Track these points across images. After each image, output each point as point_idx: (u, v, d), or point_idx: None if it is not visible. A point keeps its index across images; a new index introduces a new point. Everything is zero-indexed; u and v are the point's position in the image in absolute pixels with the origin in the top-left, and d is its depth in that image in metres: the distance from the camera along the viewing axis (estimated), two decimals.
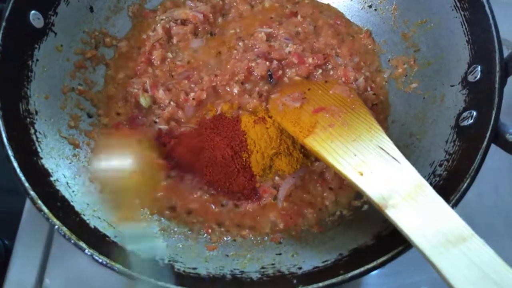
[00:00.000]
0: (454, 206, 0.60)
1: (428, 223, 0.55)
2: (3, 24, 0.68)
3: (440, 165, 0.69)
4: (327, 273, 0.60)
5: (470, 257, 0.51)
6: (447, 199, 0.58)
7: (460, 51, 0.75)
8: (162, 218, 0.76)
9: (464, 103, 0.71)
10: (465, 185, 0.61)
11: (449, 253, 0.52)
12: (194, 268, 0.63)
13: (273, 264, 0.66)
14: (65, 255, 0.87)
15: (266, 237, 0.75)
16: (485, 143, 0.63)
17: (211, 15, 0.94)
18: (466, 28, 0.74)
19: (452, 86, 0.75)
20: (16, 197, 0.95)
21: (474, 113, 0.68)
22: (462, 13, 0.74)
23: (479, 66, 0.69)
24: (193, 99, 0.85)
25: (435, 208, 0.57)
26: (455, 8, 0.75)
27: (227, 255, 0.70)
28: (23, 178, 0.61)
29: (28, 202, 0.92)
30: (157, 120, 0.84)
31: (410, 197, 0.59)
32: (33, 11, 0.73)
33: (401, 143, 0.79)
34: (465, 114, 0.70)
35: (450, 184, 0.64)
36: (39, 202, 0.60)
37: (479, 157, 0.63)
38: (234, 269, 0.64)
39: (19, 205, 0.93)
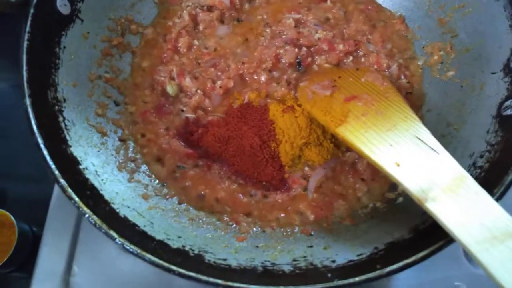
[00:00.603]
0: (498, 199, 0.57)
1: (471, 217, 0.53)
2: (32, 10, 0.68)
3: (481, 157, 0.66)
4: (363, 267, 0.58)
5: None
6: (490, 192, 0.56)
7: (502, 36, 0.71)
8: (190, 208, 0.75)
9: (506, 91, 0.68)
10: (510, 177, 0.58)
11: (495, 250, 0.49)
12: (225, 259, 0.62)
13: (305, 256, 0.64)
14: (92, 243, 0.88)
15: (296, 229, 0.74)
16: None
17: (237, 1, 0.91)
18: (509, 12, 0.70)
19: (493, 73, 0.72)
20: (44, 184, 0.96)
21: None
22: None
23: None
24: (220, 87, 0.83)
25: (478, 201, 0.55)
26: None
27: (257, 246, 0.68)
28: (53, 166, 0.60)
29: (56, 190, 0.93)
30: (184, 109, 0.82)
31: (450, 190, 0.56)
32: None
33: (437, 133, 0.74)
34: (507, 103, 0.66)
35: (493, 176, 0.61)
36: (69, 190, 0.59)
37: None
38: (265, 260, 0.63)
39: (47, 193, 0.94)
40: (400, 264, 0.55)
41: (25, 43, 0.66)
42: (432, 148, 0.62)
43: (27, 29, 0.67)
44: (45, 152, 0.61)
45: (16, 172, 1.17)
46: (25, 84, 0.64)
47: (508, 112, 0.66)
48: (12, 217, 1.01)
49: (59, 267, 0.85)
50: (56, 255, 0.86)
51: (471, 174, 0.63)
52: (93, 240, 0.87)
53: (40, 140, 0.62)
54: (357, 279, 0.54)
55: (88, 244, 0.87)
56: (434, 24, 0.86)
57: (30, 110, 0.63)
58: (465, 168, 0.60)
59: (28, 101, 0.64)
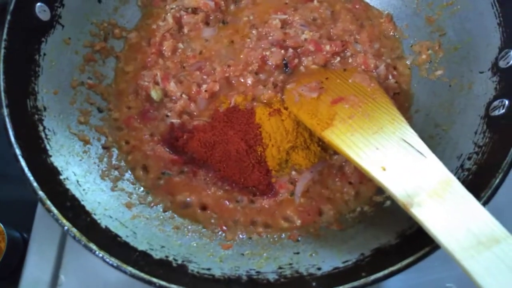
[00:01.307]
0: (485, 203, 0.56)
1: (457, 222, 0.52)
2: (8, 17, 0.67)
3: (469, 158, 0.64)
4: (348, 275, 0.57)
5: (504, 260, 0.47)
6: (477, 195, 0.55)
7: (490, 34, 0.70)
8: (176, 215, 0.74)
9: (494, 91, 0.67)
10: (498, 180, 0.57)
11: (481, 256, 0.48)
12: (209, 269, 0.61)
13: (290, 264, 0.63)
14: (80, 251, 0.85)
15: (283, 235, 0.72)
16: None
17: (222, 2, 0.90)
18: (497, 10, 0.69)
19: (481, 72, 0.70)
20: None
21: (506, 102, 0.63)
22: None
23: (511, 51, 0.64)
24: (205, 91, 0.82)
25: (465, 206, 0.53)
26: None
27: (243, 254, 0.67)
28: (31, 178, 0.59)
29: None
30: (169, 114, 0.81)
31: (437, 194, 0.55)
32: (39, 3, 0.71)
33: (426, 134, 0.74)
34: (496, 103, 0.65)
35: (480, 179, 0.60)
36: (48, 202, 0.58)
37: None
38: (250, 269, 0.62)
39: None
40: (385, 272, 0.54)
41: (2, 51, 0.65)
42: (419, 151, 0.61)
43: (4, 36, 0.66)
44: (23, 163, 0.60)
45: (4, 177, 1.15)
46: (2, 93, 0.63)
47: (496, 112, 0.65)
48: (1, 224, 0.99)
49: (46, 276, 0.84)
50: (43, 264, 0.85)
51: (459, 177, 0.62)
52: (80, 248, 0.85)
53: (18, 151, 0.61)
54: None
55: (75, 252, 0.86)
56: (422, 23, 0.84)
57: (7, 120, 0.62)
58: (453, 170, 0.59)
59: (5, 111, 0.63)
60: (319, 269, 0.60)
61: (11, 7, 0.67)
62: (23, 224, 1.02)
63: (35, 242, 0.88)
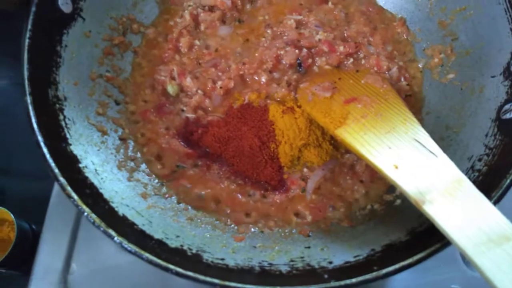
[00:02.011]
0: (495, 203, 0.58)
1: (468, 220, 0.53)
2: (33, 8, 0.68)
3: (480, 160, 0.66)
4: (360, 268, 0.58)
5: None
6: (488, 195, 0.56)
7: (502, 39, 0.71)
8: (189, 207, 0.76)
9: (506, 95, 0.68)
10: (508, 181, 0.58)
11: (491, 253, 0.49)
12: (222, 259, 0.62)
13: (302, 257, 0.64)
14: (91, 241, 0.88)
15: (294, 230, 0.74)
16: None
17: (239, 1, 0.91)
18: (510, 15, 0.70)
19: (493, 76, 0.72)
20: (44, 181, 0.96)
21: None
22: None
23: None
24: (220, 87, 0.83)
25: (476, 204, 0.55)
26: None
27: (255, 247, 0.69)
28: (53, 165, 0.61)
29: (56, 187, 0.93)
30: (184, 109, 0.83)
31: (448, 192, 0.57)
32: None
33: (436, 136, 0.74)
34: (507, 106, 0.66)
35: (491, 180, 0.61)
36: (69, 188, 0.59)
37: None
38: (263, 261, 0.63)
39: (47, 190, 0.94)
40: (397, 266, 0.55)
41: (27, 41, 0.66)
42: (430, 151, 0.63)
43: (29, 27, 0.67)
44: (45, 150, 0.61)
45: (15, 169, 1.17)
46: (26, 82, 0.65)
47: (507, 115, 0.66)
48: (11, 214, 1.01)
49: (58, 265, 0.85)
50: (55, 253, 0.86)
51: (469, 177, 0.63)
52: (92, 237, 0.88)
53: (40, 138, 0.62)
54: (353, 280, 0.54)
55: (87, 242, 0.88)
56: (435, 27, 0.86)
57: (30, 108, 0.63)
58: (463, 171, 0.60)
59: (28, 99, 0.64)
60: (330, 262, 0.61)
61: None
62: (32, 215, 1.03)
63: (48, 231, 0.89)
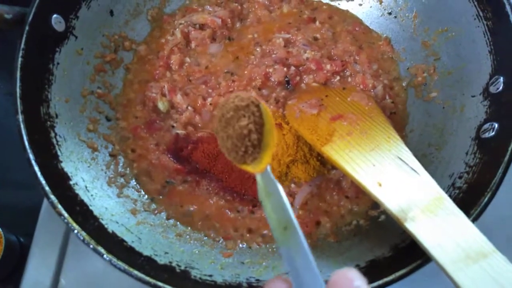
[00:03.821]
0: (474, 220, 0.60)
1: (448, 237, 0.55)
2: (26, 28, 0.69)
3: (460, 177, 0.68)
4: None
5: (491, 273, 0.50)
6: (467, 212, 0.58)
7: (482, 61, 0.73)
8: (178, 223, 0.77)
9: (485, 114, 0.70)
10: (486, 199, 0.60)
11: (469, 269, 0.51)
12: (210, 275, 0.63)
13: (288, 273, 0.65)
14: (81, 255, 0.88)
15: None
16: (507, 156, 0.62)
17: (229, 20, 0.93)
18: (488, 38, 0.73)
19: (473, 96, 0.74)
20: (33, 191, 0.95)
21: (496, 125, 0.67)
22: (485, 22, 0.73)
23: (501, 77, 0.68)
24: (210, 104, 0.85)
25: (455, 222, 0.56)
26: (478, 17, 0.74)
27: (243, 263, 0.70)
28: (43, 182, 0.62)
29: (46, 202, 0.93)
30: (174, 125, 0.84)
31: (429, 210, 0.58)
32: (55, 15, 0.74)
33: (419, 153, 0.78)
34: (486, 126, 0.69)
35: (470, 198, 0.63)
36: (59, 206, 0.60)
37: (500, 170, 0.62)
38: (250, 277, 0.64)
39: (37, 201, 0.93)
40: (380, 282, 0.56)
41: (19, 60, 0.68)
42: (413, 169, 0.65)
43: (22, 46, 0.68)
44: (36, 168, 0.62)
45: (4, 180, 1.16)
46: (18, 100, 0.66)
47: (486, 135, 0.68)
48: None
49: (46, 280, 0.85)
50: (43, 267, 0.86)
51: (450, 195, 0.65)
52: (81, 252, 0.87)
53: (31, 156, 0.63)
54: None
55: (76, 256, 0.88)
56: (418, 47, 0.89)
57: (22, 126, 0.64)
58: (444, 188, 0.62)
59: (20, 117, 0.65)
60: None
61: (29, 18, 0.69)
62: (20, 228, 1.03)
63: (37, 245, 0.89)
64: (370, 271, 0.61)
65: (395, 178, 0.64)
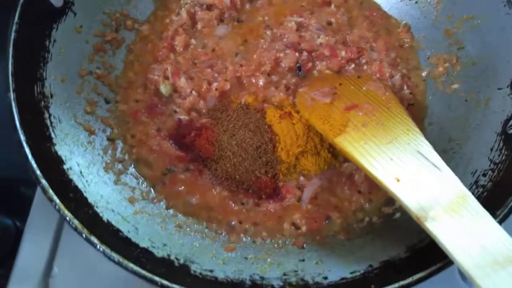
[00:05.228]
0: (501, 222, 0.55)
1: (473, 240, 0.51)
2: (21, 1, 0.64)
3: (484, 175, 0.63)
4: (356, 286, 0.55)
5: None
6: (493, 213, 0.54)
7: (511, 50, 0.68)
8: (179, 214, 0.73)
9: None
10: None
11: (496, 275, 0.47)
12: (211, 271, 0.60)
13: (295, 271, 0.61)
14: (75, 243, 0.84)
15: (288, 241, 0.71)
16: None
17: (238, 0, 0.89)
18: None
19: (499, 89, 0.69)
20: (29, 176, 0.92)
21: None
22: None
23: None
24: (216, 89, 0.81)
25: (481, 223, 0.52)
26: (508, 4, 0.69)
27: (246, 258, 0.66)
28: (35, 166, 0.58)
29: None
30: (177, 110, 0.80)
31: (452, 209, 0.54)
32: None
33: (439, 148, 0.71)
34: None
35: (496, 197, 0.59)
36: (51, 192, 0.57)
37: None
38: (254, 274, 0.61)
39: (32, 186, 0.90)
40: (396, 285, 0.53)
41: (13, 35, 0.63)
42: (434, 164, 0.60)
43: (15, 20, 0.64)
44: (27, 150, 0.59)
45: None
46: (10, 77, 0.62)
47: None
48: None
49: (39, 267, 0.81)
50: (36, 254, 0.82)
51: (473, 193, 0.60)
52: (76, 239, 0.82)
53: (22, 138, 0.59)
54: None
55: (70, 244, 0.84)
56: (440, 35, 0.83)
57: (13, 105, 0.61)
58: (467, 186, 0.58)
59: (12, 95, 0.61)
60: (325, 278, 0.59)
61: None
62: (18, 213, 1.00)
63: (30, 231, 0.85)
64: (385, 273, 0.57)
65: (414, 174, 0.60)
